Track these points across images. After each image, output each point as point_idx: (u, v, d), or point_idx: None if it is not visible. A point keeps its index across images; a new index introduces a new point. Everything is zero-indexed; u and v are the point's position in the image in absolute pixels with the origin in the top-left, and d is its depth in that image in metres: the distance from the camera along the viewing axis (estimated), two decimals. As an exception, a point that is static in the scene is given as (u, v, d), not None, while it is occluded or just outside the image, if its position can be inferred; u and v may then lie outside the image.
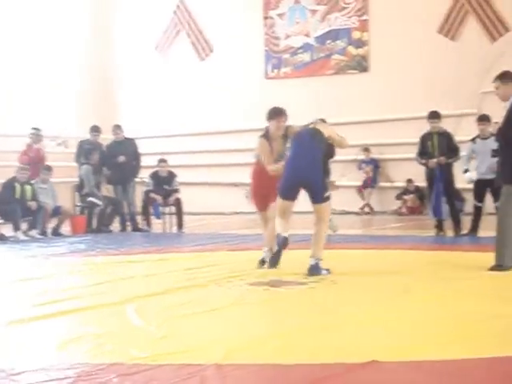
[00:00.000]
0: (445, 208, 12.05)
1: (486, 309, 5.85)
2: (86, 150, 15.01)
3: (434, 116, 12.26)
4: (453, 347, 4.65)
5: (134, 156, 15.06)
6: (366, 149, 18.42)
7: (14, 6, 19.04)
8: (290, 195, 7.91)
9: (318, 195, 7.93)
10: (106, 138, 16.03)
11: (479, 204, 11.96)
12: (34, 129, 15.86)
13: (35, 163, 14.84)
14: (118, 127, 15.40)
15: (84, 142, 15.36)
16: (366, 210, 18.36)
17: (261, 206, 8.63)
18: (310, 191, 7.93)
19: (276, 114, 8.29)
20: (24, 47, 19.15)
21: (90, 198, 14.51)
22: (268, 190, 8.36)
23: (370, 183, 18.44)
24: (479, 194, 11.98)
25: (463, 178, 12.26)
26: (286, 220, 7.85)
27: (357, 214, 18.09)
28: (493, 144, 11.47)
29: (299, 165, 7.89)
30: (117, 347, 4.81)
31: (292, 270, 7.52)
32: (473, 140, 12.21)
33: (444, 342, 4.78)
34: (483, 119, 12.14)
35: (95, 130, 15.40)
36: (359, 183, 18.51)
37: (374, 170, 18.51)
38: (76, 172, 15.25)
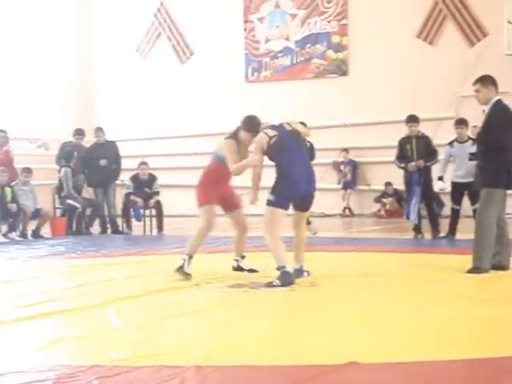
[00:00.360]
0: (414, 209, 12.12)
1: (464, 311, 5.91)
2: (67, 153, 14.98)
3: (413, 120, 12.33)
4: (432, 349, 4.70)
5: (115, 159, 15.06)
6: (345, 150, 18.53)
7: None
8: (288, 206, 7.67)
9: (310, 205, 7.83)
10: (88, 140, 16.01)
11: (457, 207, 12.06)
12: (0, 131, 15.72)
13: (5, 165, 14.75)
14: (99, 129, 15.37)
15: (66, 145, 15.33)
16: (346, 212, 18.44)
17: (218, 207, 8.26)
18: (306, 202, 7.76)
19: (257, 130, 7.82)
20: (3, 49, 19.08)
21: (69, 201, 14.49)
22: (225, 193, 8.28)
23: (350, 184, 18.53)
24: (457, 197, 12.07)
25: (437, 184, 12.34)
26: (279, 237, 7.55)
27: (341, 215, 18.18)
28: (470, 147, 11.61)
29: (302, 178, 7.58)
30: (97, 349, 4.83)
31: (272, 271, 7.55)
32: (450, 144, 12.30)
33: (423, 344, 4.84)
34: (461, 123, 12.22)
35: (79, 132, 15.33)
36: (339, 186, 18.60)
37: (352, 171, 18.61)
38: (56, 174, 15.21)
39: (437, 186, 12.37)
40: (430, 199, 12.38)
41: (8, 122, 18.58)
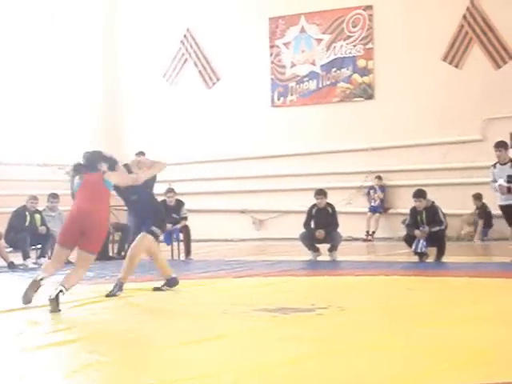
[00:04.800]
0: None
1: (499, 334, 5.86)
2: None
3: (500, 145, 12.18)
4: (463, 373, 4.64)
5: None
6: (379, 177, 18.45)
7: (24, 31, 19.27)
8: None
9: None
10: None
11: None
12: None
13: None
14: (139, 153, 15.56)
15: None
16: (369, 237, 18.30)
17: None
18: None
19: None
20: (33, 76, 19.33)
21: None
22: None
23: (378, 209, 18.43)
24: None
25: (497, 187, 12.05)
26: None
27: (363, 240, 18.08)
28: (509, 170, 11.60)
29: None
30: (125, 374, 4.84)
31: (299, 296, 7.54)
32: (494, 165, 12.25)
33: (452, 368, 4.76)
34: (499, 146, 12.17)
35: None
36: (365, 210, 18.54)
37: (383, 197, 18.50)
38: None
39: (496, 187, 12.13)
40: None
41: (36, 148, 18.85)
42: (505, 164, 11.98)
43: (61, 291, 7.75)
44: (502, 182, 11.86)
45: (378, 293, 8.65)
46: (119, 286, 8.80)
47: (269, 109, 20.12)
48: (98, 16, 21.54)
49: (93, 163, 8.22)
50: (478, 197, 16.81)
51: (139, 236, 8.84)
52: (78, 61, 20.64)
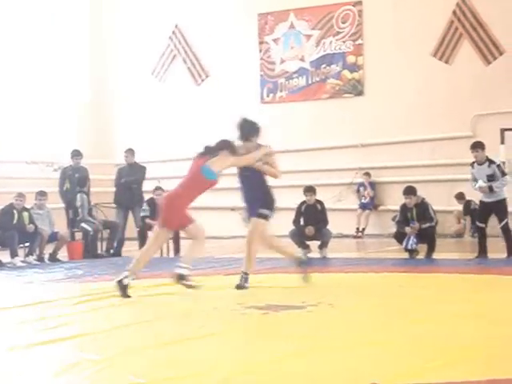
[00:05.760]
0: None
1: (484, 331, 5.85)
2: (69, 176, 15.22)
3: (475, 146, 12.17)
4: (453, 369, 4.63)
5: (140, 181, 15.34)
6: (367, 173, 18.45)
7: (11, 29, 19.21)
8: None
9: None
10: (106, 163, 16.08)
11: (482, 225, 12.08)
12: None
13: None
14: (128, 151, 15.60)
15: (67, 169, 15.53)
16: (359, 234, 18.31)
17: None
18: None
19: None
20: (21, 74, 19.29)
21: (82, 224, 14.59)
22: None
23: (368, 205, 18.44)
24: (482, 216, 12.10)
25: (477, 188, 12.09)
26: None
27: (353, 236, 18.09)
28: (487, 170, 11.65)
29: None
30: (115, 373, 4.80)
31: (289, 293, 7.50)
32: (472, 164, 12.24)
33: (443, 364, 4.75)
34: (475, 146, 12.19)
35: (77, 154, 15.56)
36: (355, 206, 18.54)
37: (372, 194, 18.53)
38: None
39: (477, 188, 12.13)
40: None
41: (25, 146, 18.76)
42: (482, 164, 11.98)
43: (180, 267, 8.45)
44: (481, 183, 11.92)
45: (368, 290, 8.66)
46: (245, 279, 8.73)
47: (258, 105, 20.06)
48: (85, 13, 21.50)
49: (215, 149, 9.16)
50: (460, 196, 16.93)
51: (251, 223, 9.05)
52: (67, 59, 20.58)
